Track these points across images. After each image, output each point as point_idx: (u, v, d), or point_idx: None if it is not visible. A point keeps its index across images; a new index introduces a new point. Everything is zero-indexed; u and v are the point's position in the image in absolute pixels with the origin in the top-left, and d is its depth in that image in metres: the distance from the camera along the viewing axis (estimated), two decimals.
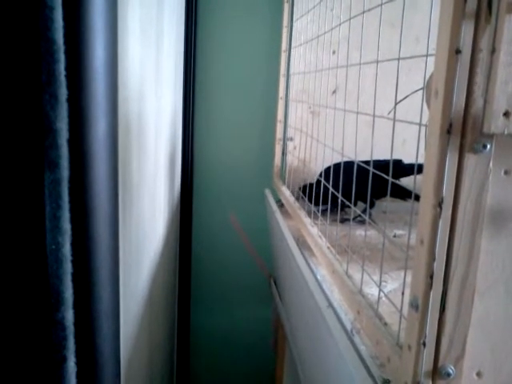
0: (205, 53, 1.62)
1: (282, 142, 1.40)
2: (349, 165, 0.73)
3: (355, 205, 0.78)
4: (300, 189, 1.18)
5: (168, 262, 1.36)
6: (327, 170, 1.02)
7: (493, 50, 0.39)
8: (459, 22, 0.39)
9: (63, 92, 0.36)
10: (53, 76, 0.35)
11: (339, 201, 0.79)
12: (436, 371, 0.44)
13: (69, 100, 0.36)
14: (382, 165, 0.67)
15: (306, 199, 1.10)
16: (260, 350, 1.78)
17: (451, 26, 0.39)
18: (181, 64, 1.51)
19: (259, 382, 1.82)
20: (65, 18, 0.35)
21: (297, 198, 1.15)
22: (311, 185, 1.10)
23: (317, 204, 0.98)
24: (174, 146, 1.39)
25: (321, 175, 1.03)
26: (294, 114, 1.30)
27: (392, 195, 1.02)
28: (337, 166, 0.79)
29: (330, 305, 0.70)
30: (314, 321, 0.80)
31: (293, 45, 1.32)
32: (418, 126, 0.49)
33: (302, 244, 0.97)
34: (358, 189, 0.70)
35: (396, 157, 0.66)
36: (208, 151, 1.69)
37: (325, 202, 0.85)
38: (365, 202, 0.90)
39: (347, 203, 0.76)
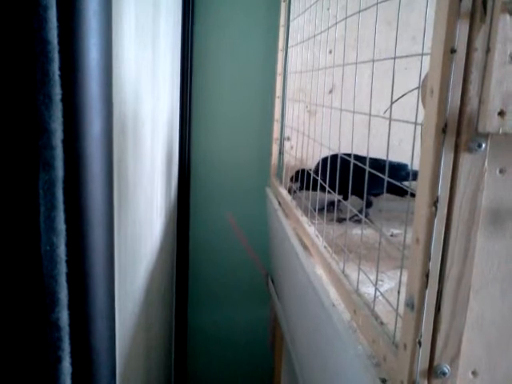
0: (202, 52, 1.62)
1: (278, 142, 1.40)
2: (347, 160, 0.73)
3: (349, 198, 0.79)
4: (291, 179, 1.17)
5: (165, 261, 1.36)
6: (325, 160, 1.02)
7: (487, 50, 0.39)
8: (454, 21, 0.39)
9: (57, 92, 0.35)
10: (47, 76, 0.35)
11: (335, 199, 0.79)
12: (432, 370, 0.44)
13: (63, 100, 0.36)
14: (383, 166, 0.67)
15: (298, 185, 1.11)
16: (257, 349, 1.78)
17: (446, 25, 0.39)
18: (178, 63, 1.51)
19: (257, 381, 1.82)
20: (59, 18, 0.35)
21: (288, 190, 1.16)
22: (303, 171, 1.11)
23: (308, 189, 0.99)
24: (171, 145, 1.39)
25: (318, 165, 1.04)
26: (291, 113, 1.30)
27: (391, 192, 1.04)
28: (335, 158, 0.80)
29: (328, 304, 0.70)
30: (312, 320, 0.80)
31: (289, 44, 1.32)
32: (414, 125, 0.49)
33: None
34: (356, 185, 0.70)
35: (392, 155, 0.67)
36: (205, 151, 1.69)
37: (320, 190, 0.86)
38: (362, 197, 0.91)
39: (344, 202, 0.76)
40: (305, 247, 0.91)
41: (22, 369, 0.40)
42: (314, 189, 0.96)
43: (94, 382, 0.43)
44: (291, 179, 1.16)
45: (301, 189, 1.09)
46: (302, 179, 1.08)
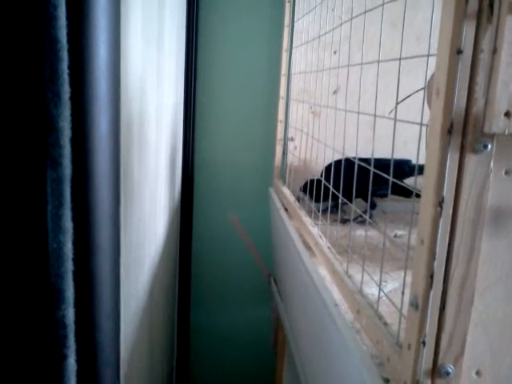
0: (206, 52, 1.62)
1: (282, 142, 1.40)
2: (352, 163, 0.73)
3: (355, 200, 0.79)
4: (301, 189, 1.18)
5: (168, 261, 1.36)
6: (329, 167, 1.03)
7: (494, 50, 0.39)
8: (461, 22, 0.39)
9: (66, 90, 0.36)
10: (56, 74, 0.35)
11: (339, 200, 0.79)
12: (435, 370, 0.44)
13: (72, 98, 0.36)
14: (388, 164, 0.67)
15: (307, 196, 1.10)
16: (260, 349, 1.78)
17: (453, 26, 0.39)
18: (182, 63, 1.51)
19: (259, 381, 1.82)
20: (68, 17, 0.35)
21: (297, 199, 1.15)
22: (312, 181, 1.10)
23: (318, 201, 0.98)
24: (175, 144, 1.39)
25: (325, 171, 1.04)
26: (295, 113, 1.30)
27: (396, 193, 1.04)
28: (340, 163, 0.80)
29: (331, 304, 0.70)
30: (315, 320, 0.80)
31: (294, 44, 1.32)
32: (419, 126, 0.49)
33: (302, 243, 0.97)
34: (362, 187, 0.70)
35: (397, 156, 0.67)
36: (208, 150, 1.70)
37: (327, 199, 0.86)
38: (367, 199, 0.91)
39: (348, 203, 0.76)
40: (308, 248, 0.91)
41: (27, 366, 0.40)
42: (325, 196, 0.93)
43: (99, 380, 0.43)
44: (303, 190, 1.15)
45: (315, 201, 1.05)
46: (313, 191, 1.06)
